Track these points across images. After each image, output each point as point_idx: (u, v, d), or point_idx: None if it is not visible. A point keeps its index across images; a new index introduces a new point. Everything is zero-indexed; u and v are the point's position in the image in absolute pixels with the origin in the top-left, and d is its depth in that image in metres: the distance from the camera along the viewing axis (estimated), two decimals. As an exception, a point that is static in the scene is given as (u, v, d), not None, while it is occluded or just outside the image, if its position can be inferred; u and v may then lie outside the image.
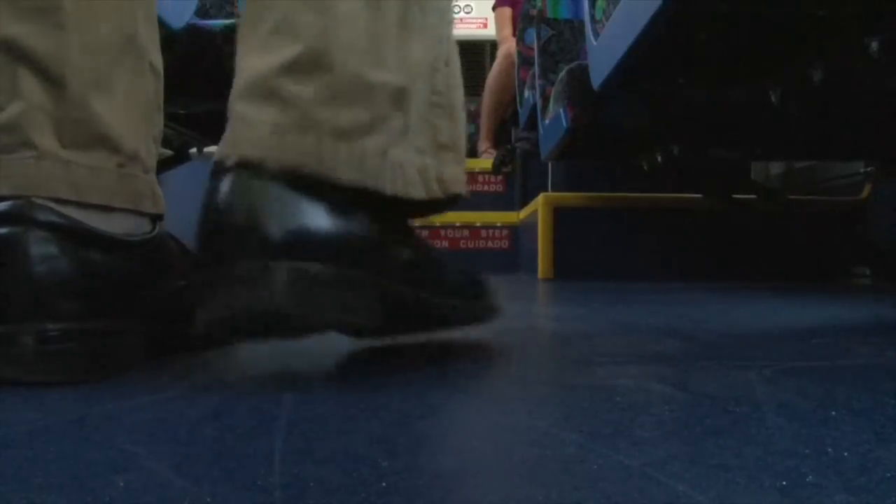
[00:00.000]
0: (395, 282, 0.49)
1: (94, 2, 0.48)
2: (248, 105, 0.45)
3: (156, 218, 0.54)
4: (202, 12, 1.72)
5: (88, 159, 0.47)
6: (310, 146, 0.44)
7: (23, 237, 0.43)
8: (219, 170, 0.44)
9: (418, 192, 0.50)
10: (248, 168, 0.43)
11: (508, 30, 3.41)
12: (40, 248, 0.43)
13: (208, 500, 0.24)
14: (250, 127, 0.44)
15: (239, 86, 0.46)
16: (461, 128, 0.56)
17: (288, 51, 0.44)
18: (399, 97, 0.48)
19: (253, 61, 0.45)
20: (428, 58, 0.51)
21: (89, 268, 0.45)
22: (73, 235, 0.45)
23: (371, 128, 0.46)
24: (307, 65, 0.44)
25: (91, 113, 0.47)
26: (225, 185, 0.43)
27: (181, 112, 1.47)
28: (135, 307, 0.49)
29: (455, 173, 0.55)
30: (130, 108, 0.51)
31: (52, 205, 0.45)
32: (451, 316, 0.57)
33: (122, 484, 0.25)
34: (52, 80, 0.45)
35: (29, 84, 0.45)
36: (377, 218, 0.48)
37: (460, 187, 0.56)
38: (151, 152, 0.53)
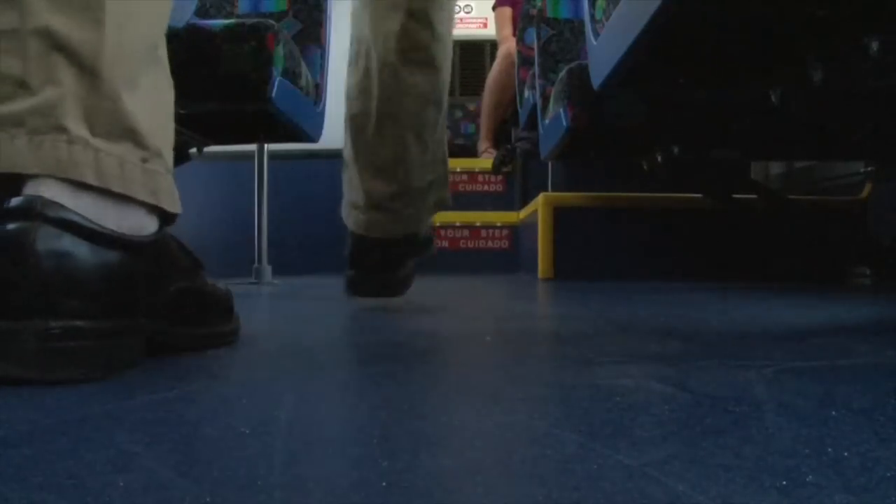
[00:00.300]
0: (411, 277, 1.15)
1: (132, 5, 0.50)
2: (375, 213, 1.00)
3: (169, 218, 0.54)
4: (202, 12, 1.72)
5: (115, 150, 0.48)
6: (400, 229, 1.02)
7: (32, 233, 0.43)
8: (360, 238, 1.03)
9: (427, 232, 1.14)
10: (374, 238, 1.02)
11: (508, 30, 3.40)
12: (49, 244, 0.43)
13: (208, 500, 0.24)
14: (377, 224, 1.00)
15: (367, 200, 1.00)
16: (447, 184, 1.09)
17: (392, 186, 0.98)
18: (429, 186, 1.03)
19: (374, 186, 0.99)
20: (443, 157, 1.06)
21: (97, 266, 0.46)
22: (82, 233, 0.45)
23: (421, 208, 1.03)
24: (400, 193, 0.99)
25: (121, 106, 0.49)
26: (366, 247, 1.02)
27: (181, 112, 1.47)
28: (138, 306, 0.49)
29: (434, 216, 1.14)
30: (155, 109, 0.53)
31: (65, 201, 0.45)
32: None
33: (122, 484, 0.25)
34: (86, 70, 0.47)
35: (64, 72, 0.46)
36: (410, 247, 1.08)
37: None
38: (171, 155, 0.55)
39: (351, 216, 1.03)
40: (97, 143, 0.47)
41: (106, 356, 0.46)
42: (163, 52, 0.55)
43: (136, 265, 0.49)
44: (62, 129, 0.46)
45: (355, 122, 0.98)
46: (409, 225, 1.02)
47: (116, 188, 0.48)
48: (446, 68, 0.99)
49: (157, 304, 0.52)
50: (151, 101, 0.52)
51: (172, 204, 0.54)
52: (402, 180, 0.97)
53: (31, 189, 0.45)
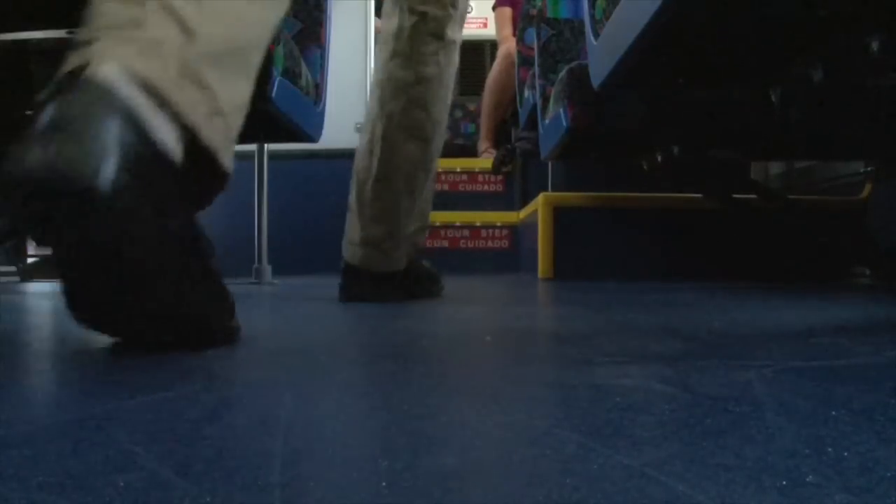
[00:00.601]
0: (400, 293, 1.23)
1: (219, 12, 0.61)
2: (368, 249, 1.19)
3: (215, 177, 0.60)
4: (202, 12, 1.72)
5: (196, 90, 0.57)
6: (387, 265, 1.20)
7: (90, 109, 0.49)
8: (354, 268, 1.20)
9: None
10: (364, 269, 1.20)
11: (508, 30, 3.40)
12: (102, 122, 0.48)
13: (208, 499, 0.24)
14: (368, 259, 1.19)
15: (363, 239, 1.18)
16: (426, 231, 1.30)
17: (382, 229, 1.18)
18: (414, 232, 1.22)
19: (370, 229, 1.18)
20: (425, 211, 1.26)
21: (136, 154, 0.50)
22: (131, 121, 0.50)
23: (404, 250, 1.21)
24: (390, 235, 1.18)
25: (205, 67, 0.58)
26: (358, 277, 1.20)
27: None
28: (161, 213, 0.53)
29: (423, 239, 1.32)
30: (232, 90, 0.62)
31: (133, 89, 0.51)
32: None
33: (122, 484, 0.25)
34: (187, 30, 0.57)
35: (171, 26, 0.56)
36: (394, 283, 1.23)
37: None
38: (233, 137, 0.63)
39: (348, 249, 1.22)
40: (182, 81, 0.55)
41: (129, 228, 0.50)
42: (254, 60, 0.65)
43: (168, 178, 0.53)
44: (160, 53, 0.55)
45: (359, 177, 1.20)
46: (395, 263, 1.20)
47: (189, 112, 0.55)
48: (437, 141, 1.21)
49: (171, 228, 0.54)
50: (230, 83, 0.61)
51: (228, 158, 0.60)
52: (393, 226, 1.18)
53: (97, 74, 0.51)
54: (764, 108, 1.24)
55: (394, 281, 1.21)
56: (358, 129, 2.57)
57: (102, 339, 0.58)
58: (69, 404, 0.38)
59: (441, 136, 1.23)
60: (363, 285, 1.19)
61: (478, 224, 2.81)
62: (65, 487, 0.25)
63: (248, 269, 1.98)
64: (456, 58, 1.22)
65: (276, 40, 1.36)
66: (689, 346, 0.63)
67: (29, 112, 0.50)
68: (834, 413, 0.36)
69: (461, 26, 1.22)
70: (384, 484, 0.26)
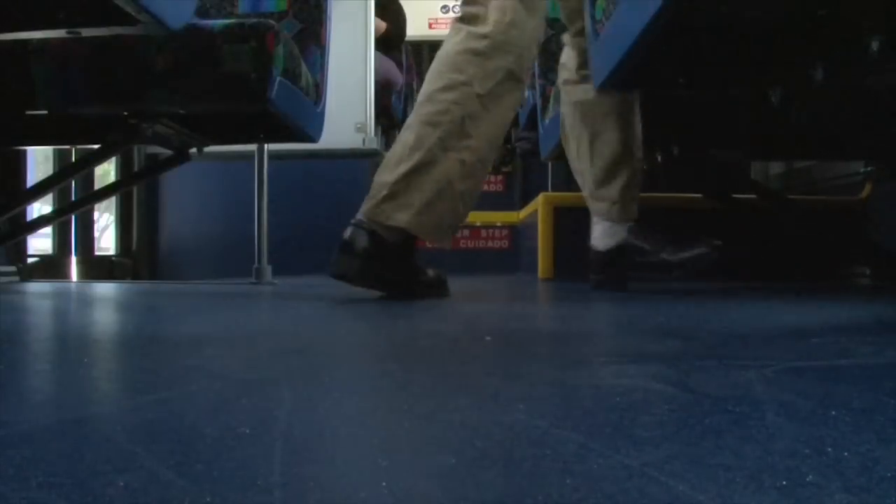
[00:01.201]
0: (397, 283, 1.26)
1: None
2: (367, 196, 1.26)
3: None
4: (202, 12, 1.72)
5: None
6: (371, 213, 1.22)
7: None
8: (356, 222, 1.22)
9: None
10: (357, 220, 1.23)
11: (508, 30, 3.40)
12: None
13: (208, 499, 0.24)
14: (363, 209, 1.24)
15: (375, 191, 1.24)
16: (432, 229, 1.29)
17: (379, 177, 1.27)
18: (390, 193, 1.24)
19: (383, 177, 1.23)
20: (412, 187, 1.26)
21: None
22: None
23: (388, 209, 1.21)
24: (375, 183, 1.26)
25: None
26: (350, 231, 1.22)
27: (181, 112, 1.47)
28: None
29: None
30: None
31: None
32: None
33: (122, 484, 0.25)
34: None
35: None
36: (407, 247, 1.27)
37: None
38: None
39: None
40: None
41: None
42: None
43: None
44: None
45: None
46: (368, 209, 1.21)
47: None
48: (422, 113, 1.24)
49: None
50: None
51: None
52: (377, 174, 1.27)
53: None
54: (764, 108, 1.24)
55: (379, 255, 1.20)
56: (358, 129, 2.57)
57: (102, 339, 0.58)
58: (69, 404, 0.38)
59: (428, 115, 1.24)
60: (351, 260, 1.19)
61: (478, 224, 2.81)
62: (65, 487, 0.25)
63: (248, 269, 1.98)
64: (488, 64, 1.22)
65: (276, 40, 1.36)
66: (689, 346, 0.63)
67: (29, 112, 0.49)
68: (834, 413, 0.36)
69: (502, 39, 1.22)
70: (384, 484, 0.26)
